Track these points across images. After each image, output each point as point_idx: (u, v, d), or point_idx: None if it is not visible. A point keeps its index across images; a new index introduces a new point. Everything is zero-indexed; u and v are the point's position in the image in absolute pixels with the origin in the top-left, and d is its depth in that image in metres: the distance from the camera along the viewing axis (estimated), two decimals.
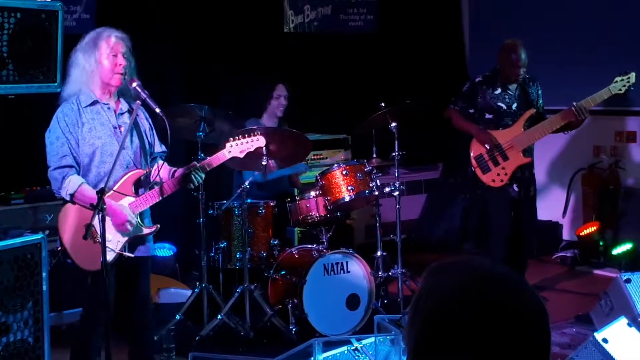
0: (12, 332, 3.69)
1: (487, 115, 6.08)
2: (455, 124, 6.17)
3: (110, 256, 4.02)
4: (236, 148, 4.44)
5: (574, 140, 7.65)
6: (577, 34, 7.60)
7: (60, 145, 4.08)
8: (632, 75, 5.78)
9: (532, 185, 6.20)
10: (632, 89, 5.80)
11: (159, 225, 4.28)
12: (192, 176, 4.22)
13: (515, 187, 6.06)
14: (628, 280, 4.81)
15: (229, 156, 4.43)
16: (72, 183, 4.05)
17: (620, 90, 5.80)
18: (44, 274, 3.81)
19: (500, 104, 6.05)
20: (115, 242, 4.12)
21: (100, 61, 4.12)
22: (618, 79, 5.80)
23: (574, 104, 5.80)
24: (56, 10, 3.80)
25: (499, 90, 6.07)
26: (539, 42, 7.25)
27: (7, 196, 5.56)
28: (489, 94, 6.07)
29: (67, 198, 4.09)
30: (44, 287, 3.82)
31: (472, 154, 6.07)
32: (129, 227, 4.13)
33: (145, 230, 4.24)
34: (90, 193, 4.01)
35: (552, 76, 6.37)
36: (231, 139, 4.48)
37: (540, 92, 6.16)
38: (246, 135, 4.49)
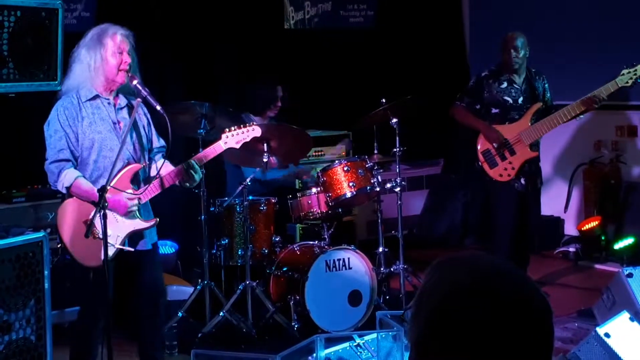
0: (14, 330, 3.69)
1: (494, 110, 6.05)
2: (461, 121, 6.13)
3: (110, 251, 4.02)
4: (232, 139, 4.45)
5: (575, 135, 7.64)
6: (580, 27, 7.57)
7: (58, 139, 4.10)
8: (639, 67, 5.73)
9: (538, 178, 6.20)
10: (639, 81, 5.74)
11: (157, 219, 4.29)
12: (191, 170, 4.22)
13: (522, 181, 6.05)
14: (630, 275, 4.80)
15: (225, 147, 4.44)
16: (68, 176, 4.07)
17: (627, 82, 5.73)
18: (45, 272, 3.81)
19: (506, 97, 6.02)
20: (115, 237, 4.12)
21: (105, 58, 4.12)
22: (625, 71, 5.74)
23: (592, 93, 5.74)
24: (56, 8, 3.79)
25: (505, 85, 6.04)
26: (540, 36, 7.23)
27: (9, 194, 5.55)
28: (495, 88, 6.04)
29: (64, 191, 4.12)
30: (46, 285, 3.82)
31: (479, 148, 6.04)
32: (134, 208, 4.14)
33: (145, 224, 4.24)
34: (86, 186, 4.05)
35: (552, 72, 6.34)
36: (227, 130, 4.49)
37: (546, 86, 6.15)
38: (242, 126, 4.51)
